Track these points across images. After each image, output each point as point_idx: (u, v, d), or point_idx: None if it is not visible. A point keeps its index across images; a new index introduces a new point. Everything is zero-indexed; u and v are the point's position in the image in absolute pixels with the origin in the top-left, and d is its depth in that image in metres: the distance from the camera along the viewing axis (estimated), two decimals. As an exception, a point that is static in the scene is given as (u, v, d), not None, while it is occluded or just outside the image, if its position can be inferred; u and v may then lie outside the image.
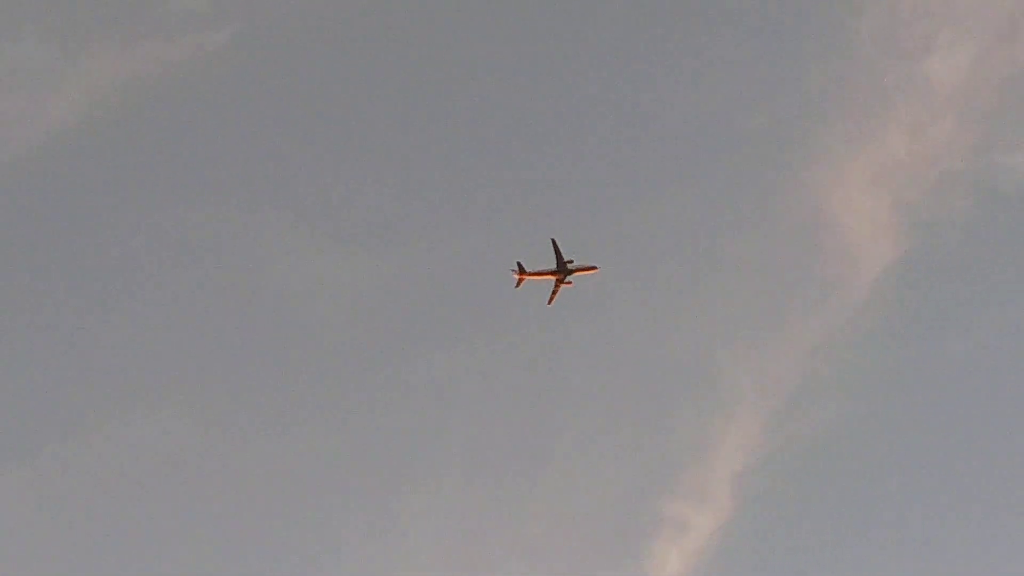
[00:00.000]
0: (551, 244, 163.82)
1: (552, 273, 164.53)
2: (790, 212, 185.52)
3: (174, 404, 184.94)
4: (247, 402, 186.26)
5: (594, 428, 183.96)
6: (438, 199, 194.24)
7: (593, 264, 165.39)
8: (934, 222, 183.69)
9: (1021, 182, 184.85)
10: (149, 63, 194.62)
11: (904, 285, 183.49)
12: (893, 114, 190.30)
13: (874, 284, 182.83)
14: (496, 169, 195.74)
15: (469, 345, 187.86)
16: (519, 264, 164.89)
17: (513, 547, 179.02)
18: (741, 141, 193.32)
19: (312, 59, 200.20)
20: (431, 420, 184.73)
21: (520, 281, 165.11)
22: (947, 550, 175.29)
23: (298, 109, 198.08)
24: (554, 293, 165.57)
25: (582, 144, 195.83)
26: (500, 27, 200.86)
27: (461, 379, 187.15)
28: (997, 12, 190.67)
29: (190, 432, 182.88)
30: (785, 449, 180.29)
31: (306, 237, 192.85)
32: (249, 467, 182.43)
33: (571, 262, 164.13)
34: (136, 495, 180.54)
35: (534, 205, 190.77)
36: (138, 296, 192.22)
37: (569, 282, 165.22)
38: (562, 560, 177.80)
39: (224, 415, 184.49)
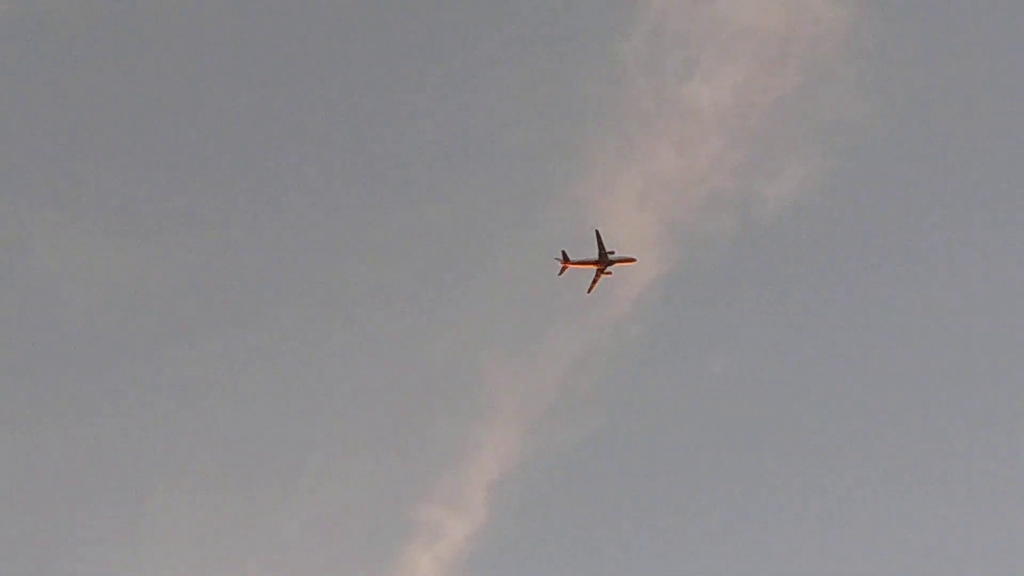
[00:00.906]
0: (595, 236, 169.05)
1: (594, 263, 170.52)
2: (558, 224, 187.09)
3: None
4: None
5: (351, 432, 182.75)
6: (201, 194, 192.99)
7: (632, 256, 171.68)
8: (699, 240, 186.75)
9: (780, 207, 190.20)
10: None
11: (666, 301, 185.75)
12: (662, 133, 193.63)
13: (637, 299, 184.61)
14: (254, 169, 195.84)
15: (226, 344, 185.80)
16: (563, 253, 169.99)
17: (265, 549, 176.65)
18: (512, 153, 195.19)
19: (77, 46, 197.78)
20: (183, 419, 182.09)
21: (563, 269, 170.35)
22: (697, 559, 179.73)
23: (62, 96, 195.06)
24: (594, 282, 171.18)
25: (354, 149, 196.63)
26: (256, 27, 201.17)
27: (217, 378, 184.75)
28: (765, 39, 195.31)
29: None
30: (542, 459, 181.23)
31: (61, 225, 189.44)
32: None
33: (612, 253, 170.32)
34: None
35: (304, 208, 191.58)
36: None
37: (609, 272, 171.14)
38: (315, 563, 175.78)
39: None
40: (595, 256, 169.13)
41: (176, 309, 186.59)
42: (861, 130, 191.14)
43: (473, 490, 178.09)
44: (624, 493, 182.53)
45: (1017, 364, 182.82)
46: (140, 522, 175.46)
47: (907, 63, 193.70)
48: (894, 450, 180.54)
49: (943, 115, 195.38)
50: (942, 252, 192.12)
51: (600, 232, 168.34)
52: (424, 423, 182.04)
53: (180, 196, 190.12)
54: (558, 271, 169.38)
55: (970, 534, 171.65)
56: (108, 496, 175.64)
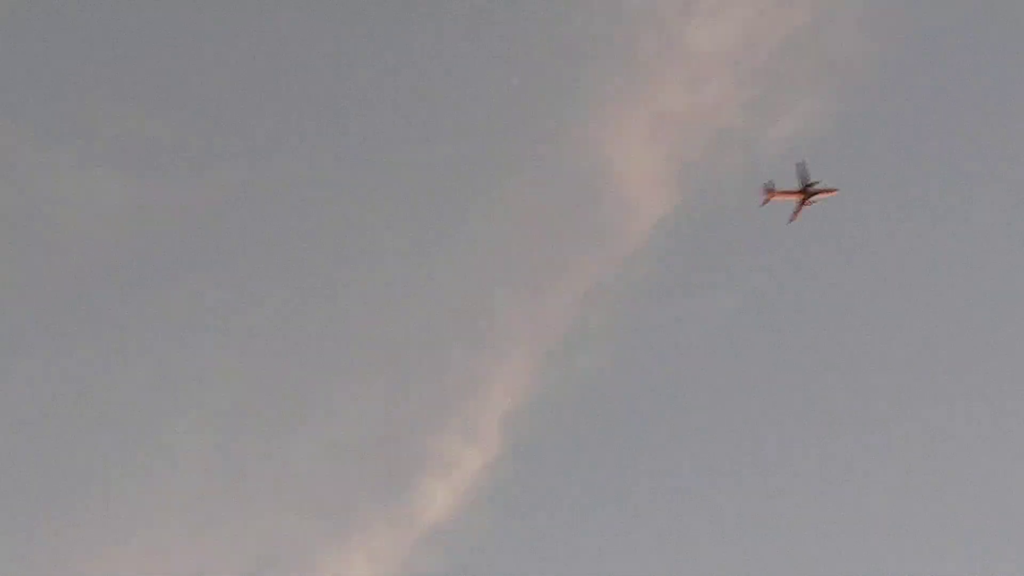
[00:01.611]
0: (796, 168, 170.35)
1: (797, 193, 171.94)
2: (570, 161, 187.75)
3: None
4: None
5: (364, 363, 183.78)
6: (211, 128, 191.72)
7: (834, 187, 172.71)
8: (707, 177, 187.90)
9: (787, 144, 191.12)
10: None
11: (676, 237, 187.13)
12: (668, 72, 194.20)
13: (648, 235, 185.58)
14: (262, 102, 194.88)
15: (238, 277, 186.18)
16: (769, 183, 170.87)
17: (277, 480, 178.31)
18: (523, 91, 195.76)
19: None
20: (194, 351, 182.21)
21: (768, 199, 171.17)
22: (703, 496, 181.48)
23: (68, 26, 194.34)
24: (796, 212, 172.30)
25: (361, 83, 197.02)
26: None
27: (229, 310, 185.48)
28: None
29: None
30: (555, 392, 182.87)
31: (69, 159, 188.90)
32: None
33: (816, 183, 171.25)
34: None
35: (316, 141, 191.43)
36: None
37: (812, 202, 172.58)
38: (328, 494, 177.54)
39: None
40: (798, 187, 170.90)
41: (186, 243, 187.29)
42: (868, 68, 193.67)
43: (487, 421, 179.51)
44: (634, 427, 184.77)
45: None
46: (152, 453, 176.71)
47: (914, 1, 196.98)
48: (899, 389, 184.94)
49: (951, 51, 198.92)
50: (944, 198, 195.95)
51: (805, 164, 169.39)
52: (438, 355, 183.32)
53: (188, 130, 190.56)
54: (762, 201, 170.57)
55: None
56: (119, 428, 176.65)
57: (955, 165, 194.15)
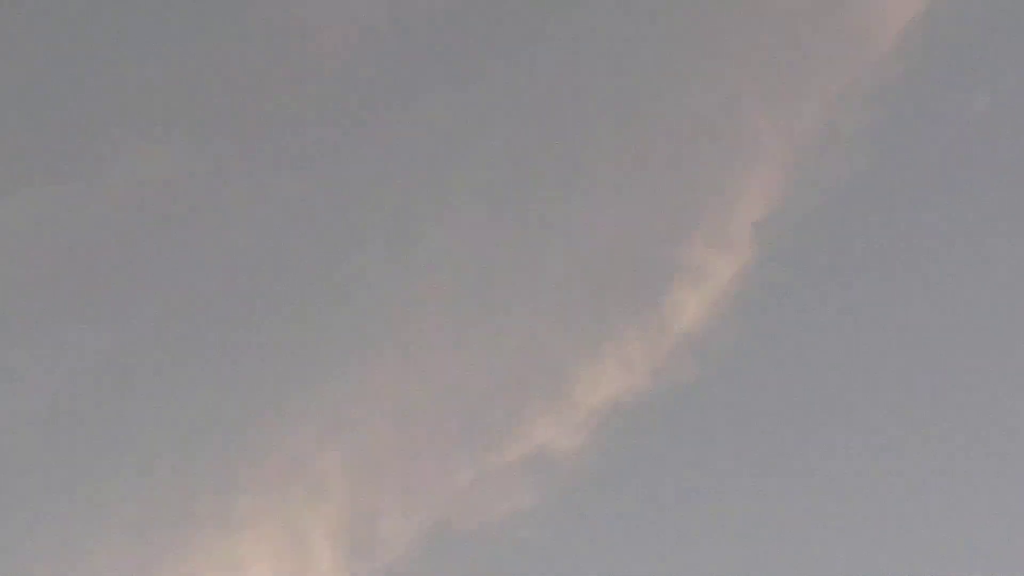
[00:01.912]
0: None
1: None
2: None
3: (178, 136, 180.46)
4: (256, 136, 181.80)
5: (612, 173, 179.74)
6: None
7: None
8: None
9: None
10: None
11: (930, 38, 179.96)
12: None
13: (899, 36, 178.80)
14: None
15: (486, 79, 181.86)
16: None
17: (528, 291, 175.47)
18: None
19: None
20: (445, 156, 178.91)
21: None
22: (963, 301, 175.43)
23: None
24: None
25: None
26: None
27: (478, 113, 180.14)
28: None
29: (195, 167, 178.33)
30: (807, 198, 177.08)
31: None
32: (260, 207, 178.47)
33: None
34: (138, 236, 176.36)
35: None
36: (132, 37, 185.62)
37: None
38: (578, 304, 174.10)
39: (233, 149, 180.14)
40: None
41: (431, 45, 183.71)
42: None
43: (738, 230, 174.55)
44: (889, 234, 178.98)
45: None
46: (406, 255, 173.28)
47: None
48: None
49: None
50: None
51: None
52: (686, 163, 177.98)
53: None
54: None
55: None
56: (377, 234, 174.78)
57: None
